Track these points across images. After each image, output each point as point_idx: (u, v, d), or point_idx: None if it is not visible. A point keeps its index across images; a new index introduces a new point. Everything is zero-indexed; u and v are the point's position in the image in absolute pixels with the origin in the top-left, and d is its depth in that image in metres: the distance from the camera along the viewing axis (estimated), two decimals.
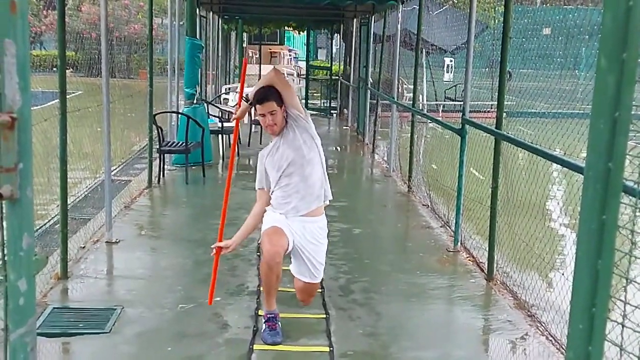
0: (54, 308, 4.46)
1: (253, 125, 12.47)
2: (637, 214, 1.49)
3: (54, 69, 5.13)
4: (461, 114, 6.15)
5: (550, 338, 4.29)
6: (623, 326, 1.44)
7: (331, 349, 4.08)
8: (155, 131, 8.74)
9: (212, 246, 4.37)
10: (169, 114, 10.76)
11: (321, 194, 4.21)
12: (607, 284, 1.38)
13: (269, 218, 4.20)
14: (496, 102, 5.40)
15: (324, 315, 4.56)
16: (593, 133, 1.41)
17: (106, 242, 5.98)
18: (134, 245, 6.10)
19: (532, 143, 4.57)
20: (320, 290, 4.91)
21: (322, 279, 5.06)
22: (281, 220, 4.12)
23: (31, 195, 1.45)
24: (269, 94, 4.06)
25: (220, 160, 10.55)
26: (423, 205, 8.06)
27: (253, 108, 4.17)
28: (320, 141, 4.24)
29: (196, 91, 9.82)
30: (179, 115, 9.81)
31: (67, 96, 5.07)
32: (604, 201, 1.39)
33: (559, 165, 4.13)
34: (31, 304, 1.46)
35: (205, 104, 10.71)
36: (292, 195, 4.11)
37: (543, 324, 4.49)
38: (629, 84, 1.36)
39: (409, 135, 9.03)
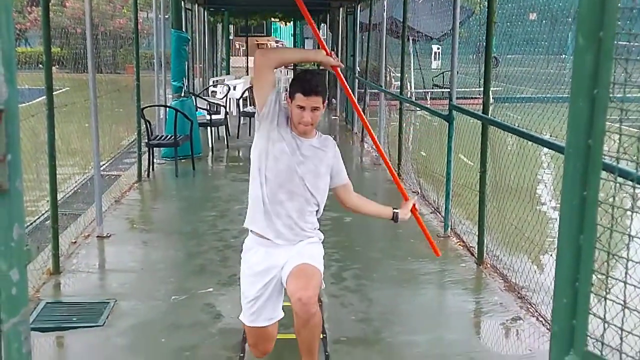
0: (47, 303, 4.46)
1: (242, 118, 12.47)
2: (618, 189, 1.52)
3: (40, 65, 5.12)
4: (448, 100, 6.18)
5: (541, 319, 4.34)
6: (606, 299, 1.48)
7: (324, 335, 4.10)
8: (144, 125, 8.73)
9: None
10: (157, 107, 10.75)
11: (311, 234, 3.38)
12: (590, 259, 1.41)
13: (247, 276, 3.33)
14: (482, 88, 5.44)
15: (317, 303, 4.58)
16: (573, 111, 1.43)
17: (97, 236, 5.98)
18: (125, 239, 6.11)
19: (517, 126, 4.61)
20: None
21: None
22: (261, 287, 3.26)
23: (21, 187, 1.46)
24: (319, 85, 3.20)
25: (210, 153, 10.54)
26: (413, 192, 8.08)
27: (288, 97, 3.23)
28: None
29: (184, 84, 9.80)
30: (167, 109, 9.80)
31: (54, 92, 5.06)
32: (585, 178, 1.42)
33: (546, 150, 4.17)
34: (23, 294, 1.47)
35: (193, 97, 10.70)
36: (282, 218, 3.24)
37: (533, 305, 4.54)
38: (606, 62, 1.38)
39: (398, 123, 9.05)
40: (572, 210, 1.43)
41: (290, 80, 3.36)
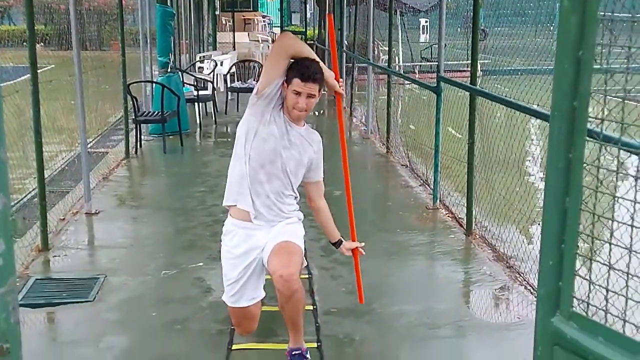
0: (37, 279, 4.46)
1: (229, 93, 12.39)
2: (604, 152, 1.52)
3: (24, 43, 5.05)
4: (436, 71, 6.17)
5: (529, 287, 4.38)
6: (592, 261, 1.49)
7: (315, 307, 4.14)
8: (130, 101, 8.67)
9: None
10: (143, 83, 10.67)
11: (289, 215, 3.39)
12: (575, 221, 1.42)
13: (227, 259, 3.34)
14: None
15: (307, 276, 4.60)
16: (558, 73, 1.43)
17: (86, 213, 5.96)
18: (114, 215, 6.09)
19: (504, 96, 4.61)
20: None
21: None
22: (242, 266, 3.29)
23: (5, 156, 1.45)
24: (317, 72, 3.19)
25: (198, 129, 10.49)
26: (402, 165, 8.11)
27: (285, 81, 3.19)
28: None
29: (170, 59, 9.71)
30: (154, 85, 9.72)
31: (39, 70, 5.02)
32: (570, 140, 1.42)
33: (535, 122, 4.17)
34: (10, 264, 1.46)
35: (180, 73, 10.62)
36: (260, 197, 3.25)
37: (521, 275, 4.58)
38: (591, 23, 1.37)
39: (386, 97, 9.04)
40: (557, 172, 1.43)
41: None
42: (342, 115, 3.58)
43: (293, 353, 3.37)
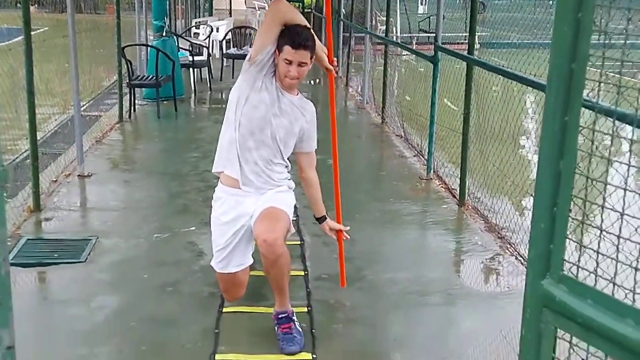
0: (28, 239, 4.45)
1: (225, 60, 12.30)
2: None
3: (18, 4, 4.98)
4: (434, 41, 6.13)
5: (520, 258, 4.40)
6: (583, 224, 1.49)
7: (306, 272, 4.16)
8: (125, 65, 8.59)
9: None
10: (138, 48, 10.57)
11: (279, 183, 3.39)
12: (569, 184, 1.41)
13: (217, 225, 3.38)
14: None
15: (299, 242, 4.62)
16: (556, 35, 1.41)
17: (78, 175, 5.94)
18: (107, 178, 6.08)
19: (501, 66, 4.59)
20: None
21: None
22: (231, 229, 3.31)
23: None
24: (309, 39, 3.17)
25: (192, 95, 10.42)
26: (397, 135, 8.10)
27: (276, 49, 3.17)
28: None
29: (165, 23, 9.61)
30: (149, 49, 9.63)
31: (33, 32, 4.95)
32: (567, 103, 1.41)
33: (532, 98, 4.15)
34: (0, 214, 1.45)
35: (175, 37, 10.51)
36: (249, 164, 3.27)
37: (513, 245, 4.61)
38: None
39: (383, 67, 8.99)
40: (553, 135, 1.43)
41: None
42: (334, 95, 3.59)
43: (279, 316, 3.38)
